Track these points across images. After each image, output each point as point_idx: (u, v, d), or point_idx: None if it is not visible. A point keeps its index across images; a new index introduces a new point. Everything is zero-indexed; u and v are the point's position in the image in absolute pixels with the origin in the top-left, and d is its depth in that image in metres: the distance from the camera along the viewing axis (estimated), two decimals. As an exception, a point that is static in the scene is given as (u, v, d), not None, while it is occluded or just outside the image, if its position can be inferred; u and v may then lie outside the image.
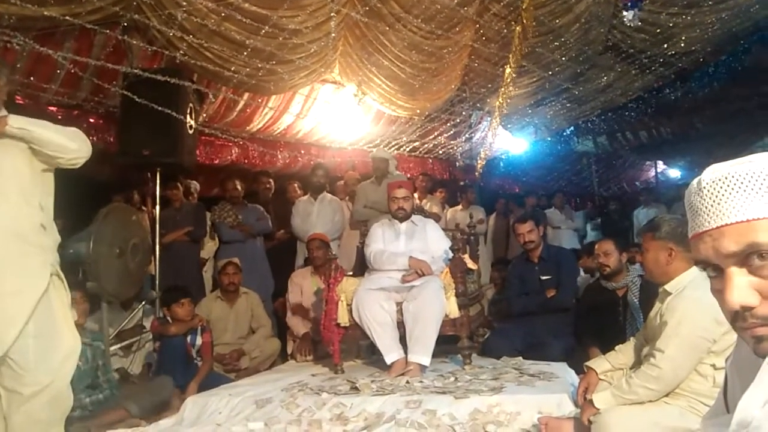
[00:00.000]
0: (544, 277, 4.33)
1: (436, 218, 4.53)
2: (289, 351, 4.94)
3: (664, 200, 9.30)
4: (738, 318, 0.82)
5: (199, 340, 4.11)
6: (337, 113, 6.72)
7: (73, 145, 2.40)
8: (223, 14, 4.35)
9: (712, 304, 2.30)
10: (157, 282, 4.73)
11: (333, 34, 5.12)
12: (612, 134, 10.59)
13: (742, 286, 0.80)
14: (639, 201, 9.35)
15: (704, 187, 0.83)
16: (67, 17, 3.85)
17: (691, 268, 2.31)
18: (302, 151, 7.30)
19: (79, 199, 3.72)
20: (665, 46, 7.05)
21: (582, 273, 5.16)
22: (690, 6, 6.34)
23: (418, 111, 7.02)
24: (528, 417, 2.75)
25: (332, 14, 4.89)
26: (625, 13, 5.84)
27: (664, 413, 2.21)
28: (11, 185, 2.28)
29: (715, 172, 0.83)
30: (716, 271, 0.84)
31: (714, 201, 0.82)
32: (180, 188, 5.54)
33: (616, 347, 2.70)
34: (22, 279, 2.26)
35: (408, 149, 8.53)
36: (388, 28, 5.32)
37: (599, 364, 2.64)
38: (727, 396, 1.00)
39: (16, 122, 2.27)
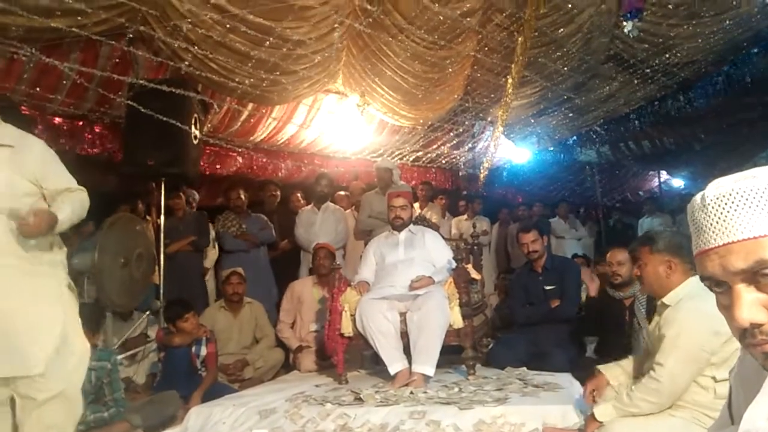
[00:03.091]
0: (548, 287, 4.32)
1: (435, 227, 4.55)
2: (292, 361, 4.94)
3: (667, 210, 9.30)
4: (747, 335, 0.81)
5: (203, 351, 4.10)
6: (340, 123, 6.75)
7: (75, 220, 2.49)
8: (227, 25, 4.38)
9: (710, 316, 2.30)
10: (161, 292, 4.73)
11: (337, 45, 5.15)
12: (615, 144, 10.59)
13: (750, 303, 0.80)
14: (643, 210, 9.35)
15: (708, 204, 0.82)
16: (73, 29, 3.88)
17: (688, 279, 2.31)
18: (305, 161, 7.32)
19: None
20: (667, 56, 7.07)
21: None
22: (691, 17, 6.36)
23: (421, 121, 7.04)
24: (532, 428, 2.76)
25: (336, 25, 4.92)
26: (624, 23, 5.87)
27: (667, 425, 2.21)
28: (23, 207, 2.33)
29: (718, 188, 0.82)
30: (723, 287, 0.83)
31: (720, 218, 0.81)
32: (183, 198, 5.55)
33: (629, 357, 2.69)
34: (41, 299, 2.34)
35: (411, 159, 8.54)
36: (391, 39, 5.35)
37: (610, 368, 2.62)
38: (731, 408, 1.00)
39: (64, 222, 2.38)
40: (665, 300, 2.36)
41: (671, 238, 2.38)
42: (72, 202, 2.43)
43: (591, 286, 3.93)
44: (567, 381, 3.46)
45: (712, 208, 0.82)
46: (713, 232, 0.81)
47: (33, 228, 2.25)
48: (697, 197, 0.86)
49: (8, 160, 2.32)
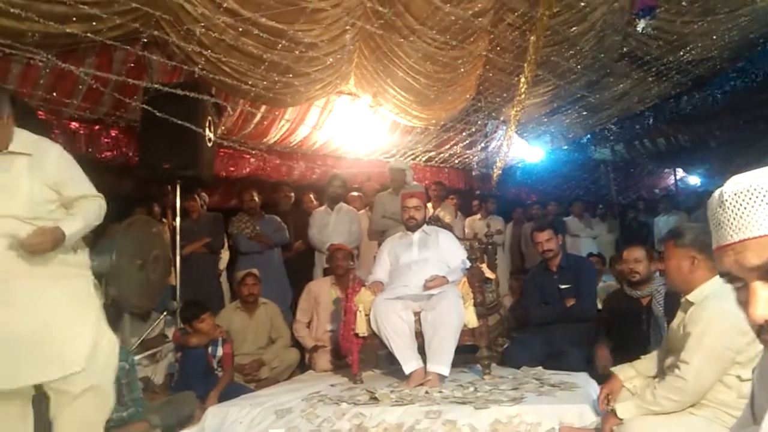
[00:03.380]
0: (563, 286, 4.30)
1: (449, 227, 4.55)
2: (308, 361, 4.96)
3: (683, 207, 9.21)
4: (763, 331, 0.82)
5: (220, 351, 4.14)
6: (352, 124, 6.76)
7: (87, 230, 2.52)
8: (240, 29, 4.40)
9: (736, 314, 2.25)
10: (177, 293, 4.77)
11: (348, 47, 5.17)
12: (630, 142, 10.52)
13: (766, 300, 0.80)
14: (658, 208, 9.26)
15: (726, 200, 0.83)
16: (89, 34, 3.91)
17: (713, 277, 2.25)
18: (318, 163, 7.34)
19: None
20: (681, 53, 7.02)
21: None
22: (705, 13, 6.31)
23: (434, 121, 7.04)
24: (549, 427, 2.74)
25: (347, 27, 4.93)
26: (637, 21, 5.84)
27: (689, 424, 2.18)
28: (44, 214, 2.36)
29: (736, 185, 0.83)
30: (741, 283, 0.84)
31: (736, 214, 0.81)
32: (198, 200, 5.59)
33: (642, 357, 2.67)
34: (75, 300, 2.41)
35: (424, 159, 8.55)
36: (402, 40, 5.35)
37: (624, 370, 2.62)
38: (754, 408, 1.00)
39: (73, 236, 2.39)
40: (690, 297, 2.32)
41: (698, 234, 2.32)
42: (85, 213, 2.44)
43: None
44: (584, 380, 3.44)
45: (730, 204, 0.82)
46: (730, 228, 0.82)
47: (36, 246, 2.26)
48: (716, 193, 0.86)
49: (28, 168, 2.34)
